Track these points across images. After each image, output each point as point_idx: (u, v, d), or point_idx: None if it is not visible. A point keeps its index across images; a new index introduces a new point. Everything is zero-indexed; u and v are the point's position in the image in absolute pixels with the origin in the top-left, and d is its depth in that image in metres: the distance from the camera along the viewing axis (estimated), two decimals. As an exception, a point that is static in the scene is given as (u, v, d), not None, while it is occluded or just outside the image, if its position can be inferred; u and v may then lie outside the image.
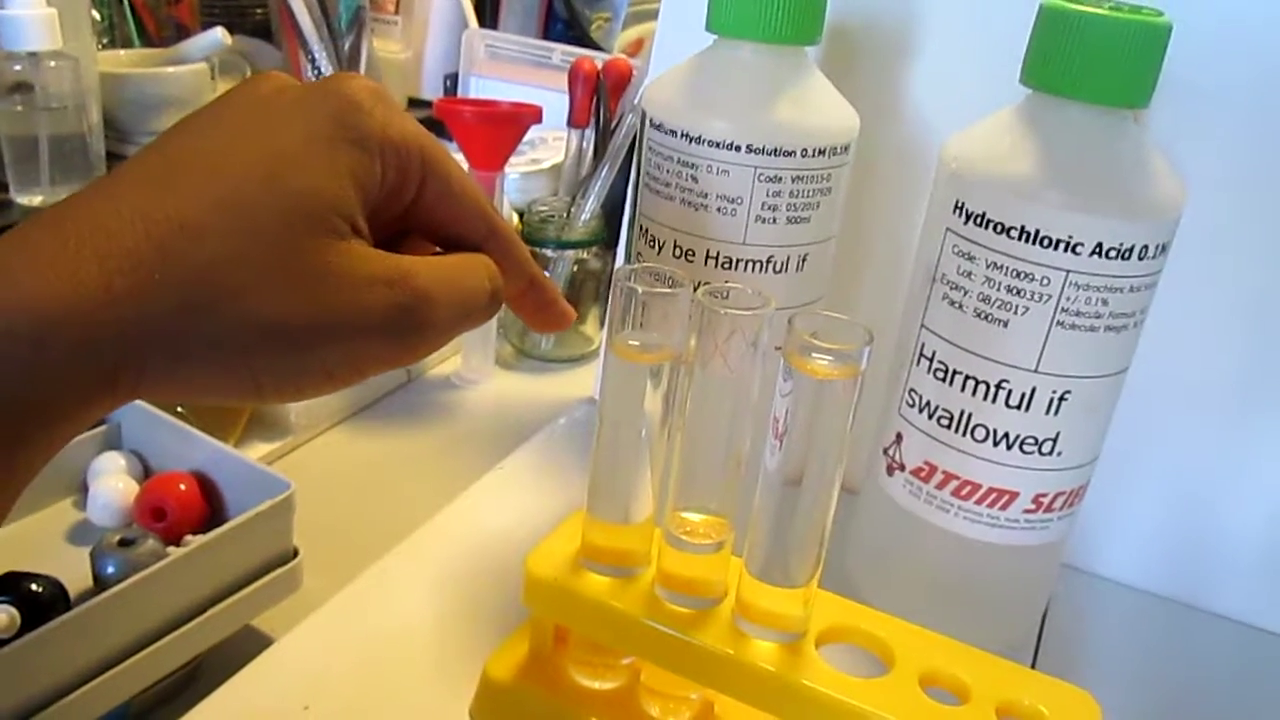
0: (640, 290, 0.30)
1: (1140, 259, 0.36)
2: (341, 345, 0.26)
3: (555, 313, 0.34)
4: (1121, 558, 0.51)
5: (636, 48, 1.00)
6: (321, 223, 0.26)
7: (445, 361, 0.67)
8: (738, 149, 0.39)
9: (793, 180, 0.40)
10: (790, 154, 0.39)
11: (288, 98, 0.28)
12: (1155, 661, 0.47)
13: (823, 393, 0.29)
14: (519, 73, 0.95)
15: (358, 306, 0.26)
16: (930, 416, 0.40)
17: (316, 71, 1.05)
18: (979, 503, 0.40)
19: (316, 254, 0.26)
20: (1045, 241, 0.36)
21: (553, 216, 0.68)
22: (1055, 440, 0.39)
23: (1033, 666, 0.45)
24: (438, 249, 0.32)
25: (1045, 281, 0.36)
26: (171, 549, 0.39)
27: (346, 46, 1.06)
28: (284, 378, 0.26)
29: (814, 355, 0.29)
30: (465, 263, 0.30)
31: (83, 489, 0.45)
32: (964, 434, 0.40)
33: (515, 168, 0.81)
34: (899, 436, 0.42)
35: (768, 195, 0.40)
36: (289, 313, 0.25)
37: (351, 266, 0.26)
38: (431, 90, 1.09)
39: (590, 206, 0.67)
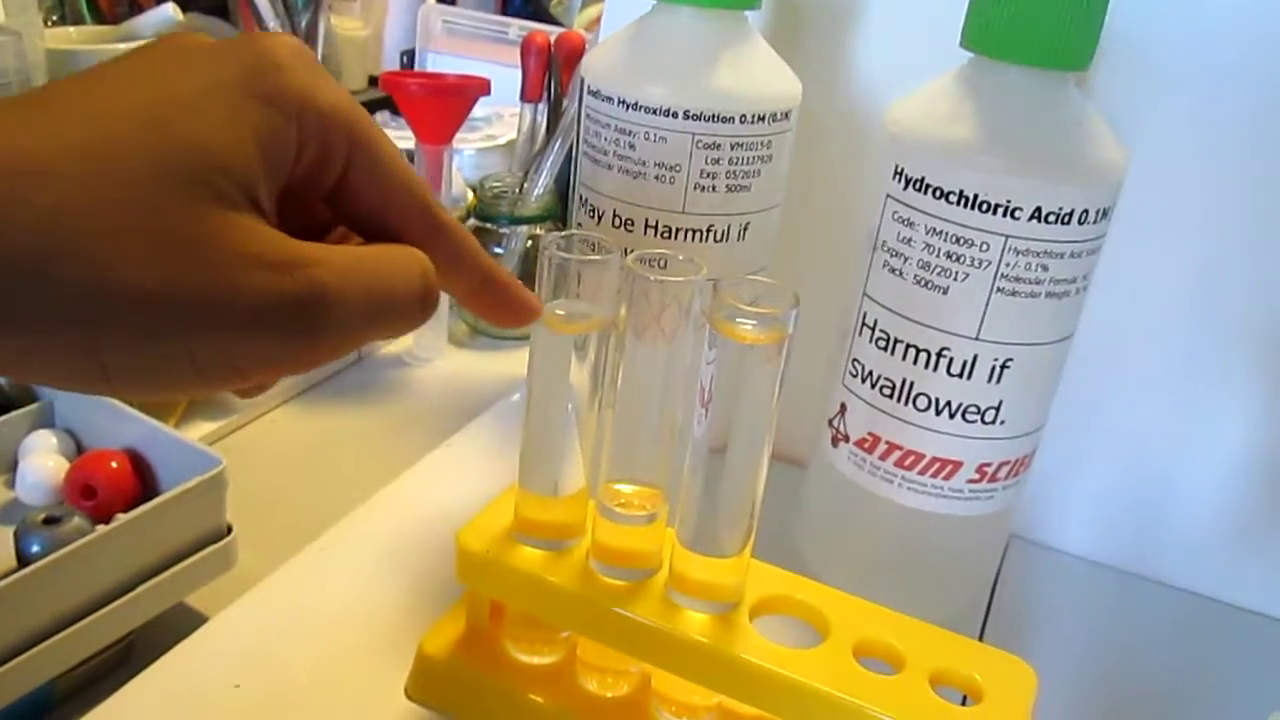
0: (562, 258, 0.30)
1: (1080, 223, 0.36)
2: (211, 335, 0.21)
3: (516, 308, 0.29)
4: (1071, 529, 0.51)
5: (597, 25, 0.99)
6: (205, 184, 0.21)
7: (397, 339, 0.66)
8: (675, 115, 0.38)
9: (732, 147, 0.39)
10: (729, 120, 0.39)
11: (199, 50, 0.23)
12: (1103, 631, 0.47)
13: (748, 358, 0.28)
14: (476, 48, 0.94)
15: (234, 290, 0.21)
16: (873, 386, 0.40)
17: (273, 49, 1.03)
18: (923, 473, 0.40)
19: (192, 220, 0.21)
20: (984, 206, 0.35)
21: (506, 192, 0.67)
22: (998, 409, 0.39)
23: (980, 638, 0.45)
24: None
25: (984, 247, 0.36)
26: (101, 527, 0.38)
27: (304, 24, 1.05)
28: (138, 367, 0.21)
29: (739, 320, 0.28)
30: (388, 254, 0.25)
31: (13, 467, 0.44)
32: (906, 403, 0.39)
33: (470, 144, 0.80)
34: (843, 407, 0.42)
35: (706, 163, 0.39)
36: (146, 285, 0.20)
37: (232, 241, 0.21)
38: (391, 67, 1.08)
39: (543, 182, 0.66)
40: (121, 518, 0.37)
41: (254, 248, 0.22)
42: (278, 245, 0.22)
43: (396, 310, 0.25)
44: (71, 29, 0.98)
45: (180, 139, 0.21)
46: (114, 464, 0.42)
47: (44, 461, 0.43)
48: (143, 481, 0.42)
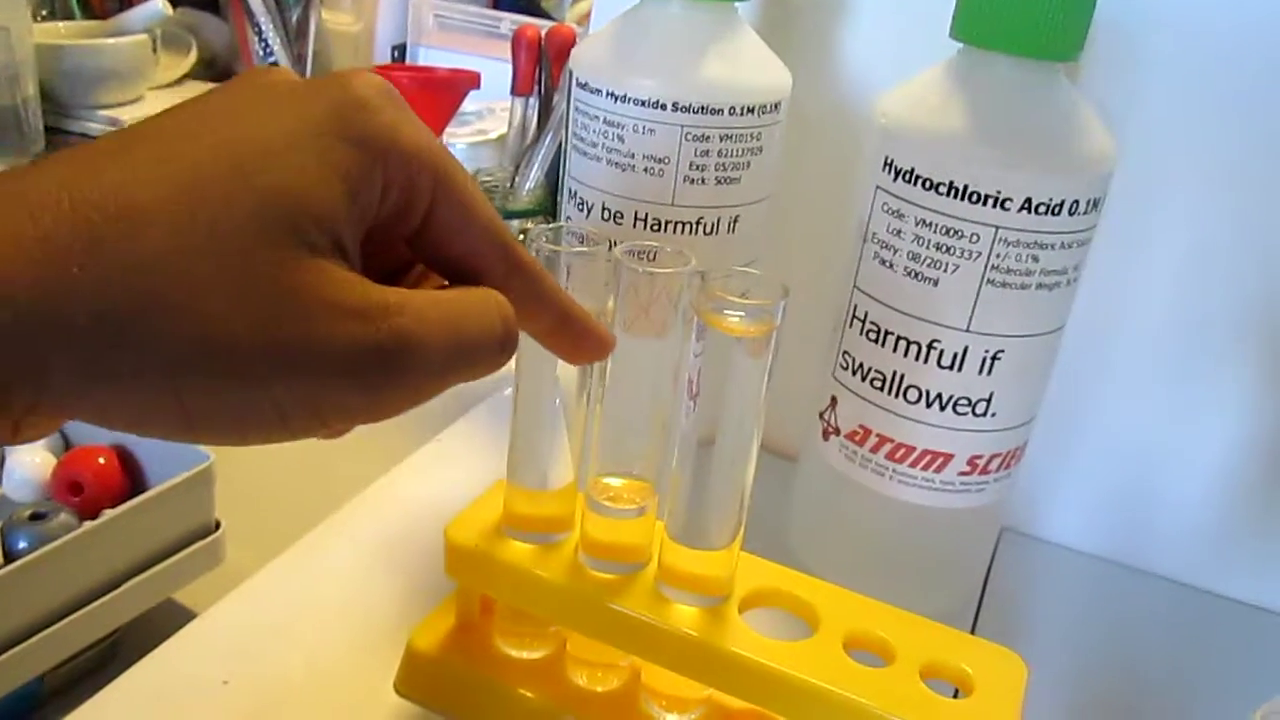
0: (551, 250, 0.30)
1: (1071, 214, 0.36)
2: (297, 385, 0.21)
3: (592, 344, 0.28)
4: (1063, 521, 0.51)
5: (589, 19, 0.99)
6: (293, 231, 0.21)
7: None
8: (663, 107, 0.38)
9: (721, 139, 0.39)
10: (718, 112, 0.39)
11: (283, 89, 0.23)
12: (1095, 623, 0.47)
13: (736, 350, 0.28)
14: (468, 43, 0.94)
15: (321, 340, 0.21)
16: (863, 379, 0.40)
17: (264, 44, 1.03)
18: (914, 466, 0.40)
19: (280, 268, 0.21)
20: (974, 197, 0.35)
21: (497, 186, 0.67)
22: (989, 401, 0.38)
23: (972, 630, 0.44)
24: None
25: (975, 238, 0.36)
26: (88, 523, 0.38)
27: (294, 18, 1.05)
28: (223, 415, 0.21)
29: (727, 312, 0.28)
30: (470, 300, 0.24)
31: (0, 464, 0.44)
32: (897, 396, 0.39)
33: (462, 138, 0.79)
34: (833, 400, 0.41)
35: (695, 155, 0.39)
36: (235, 336, 0.20)
37: (321, 290, 0.21)
38: (383, 62, 1.08)
39: (534, 175, 0.66)
40: (109, 513, 0.37)
41: (340, 296, 0.21)
42: (363, 293, 0.22)
43: (477, 355, 0.24)
44: (60, 24, 0.98)
45: (269, 186, 0.21)
46: (101, 460, 0.41)
47: (31, 457, 0.42)
48: (130, 477, 0.42)
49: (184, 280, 0.20)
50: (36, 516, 0.37)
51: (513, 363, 0.31)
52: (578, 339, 0.28)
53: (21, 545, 0.37)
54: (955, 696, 0.31)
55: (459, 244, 0.25)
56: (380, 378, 0.22)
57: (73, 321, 0.19)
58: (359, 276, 0.22)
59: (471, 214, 0.25)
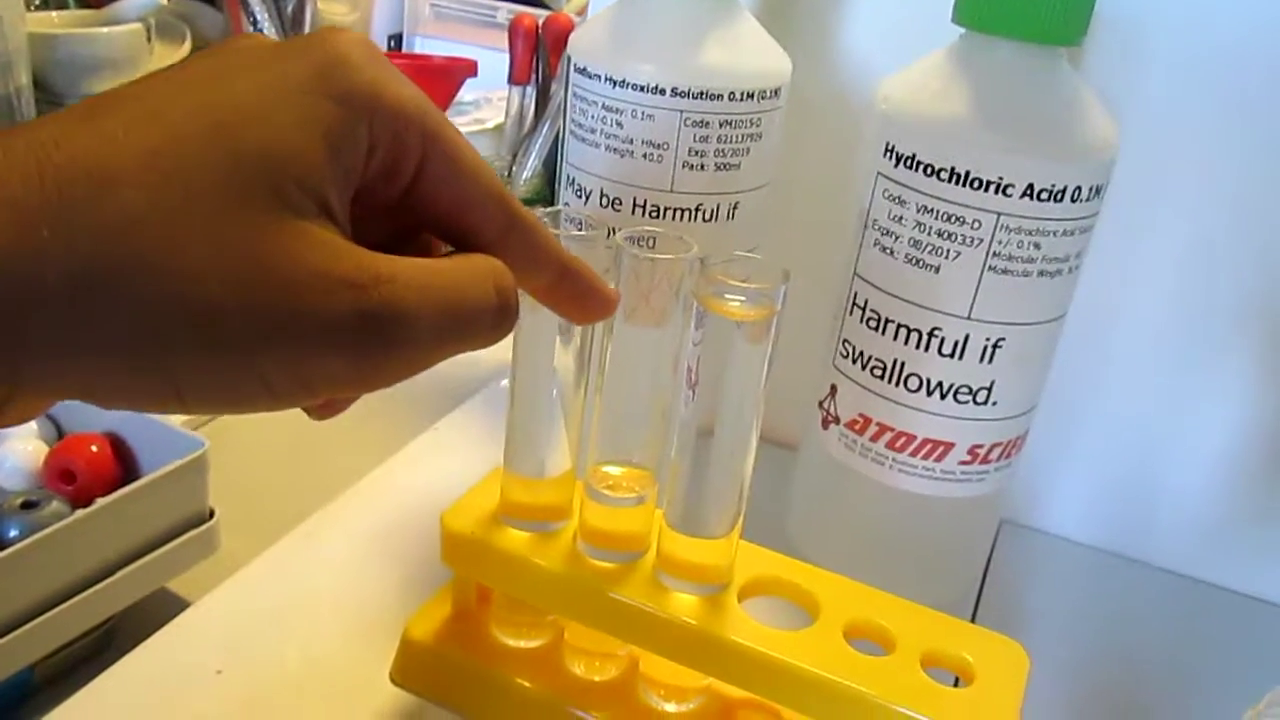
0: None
1: (1073, 201, 0.35)
2: (284, 354, 0.20)
3: (596, 301, 0.28)
4: (1063, 512, 0.50)
5: (586, 9, 0.98)
6: (276, 193, 0.20)
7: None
8: (662, 92, 0.38)
9: (720, 125, 0.39)
10: (717, 97, 0.38)
11: (264, 50, 0.22)
12: (1094, 614, 0.47)
13: (736, 335, 0.28)
14: (464, 32, 0.94)
15: (309, 309, 0.20)
16: (864, 367, 0.39)
17: (259, 33, 1.02)
18: (914, 455, 0.40)
19: (265, 233, 0.20)
20: (976, 183, 0.35)
21: (494, 175, 0.66)
22: (990, 389, 0.38)
23: (972, 620, 0.44)
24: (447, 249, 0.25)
25: (976, 225, 0.35)
26: (80, 511, 0.37)
27: (290, 8, 1.04)
28: (211, 385, 0.20)
29: (727, 296, 0.28)
30: (465, 268, 0.23)
31: (-8, 452, 0.44)
32: (897, 384, 0.39)
33: (460, 127, 0.79)
34: (833, 389, 0.41)
35: (694, 140, 0.39)
36: (218, 302, 0.19)
37: (308, 256, 0.20)
38: (379, 52, 1.08)
39: (532, 164, 0.65)
40: (101, 502, 0.37)
41: (327, 262, 0.20)
42: (351, 259, 0.21)
43: (472, 325, 0.23)
44: (54, 13, 0.97)
45: (250, 146, 0.20)
46: (94, 447, 0.41)
47: (23, 445, 0.42)
48: (123, 465, 0.41)
49: (161, 242, 0.19)
50: (28, 505, 0.37)
51: (509, 351, 0.31)
52: (581, 296, 0.27)
53: (13, 534, 0.36)
54: (956, 685, 0.30)
55: (452, 200, 0.24)
56: (368, 347, 0.21)
57: (44, 285, 0.18)
58: (346, 241, 0.21)
59: (463, 168, 0.24)
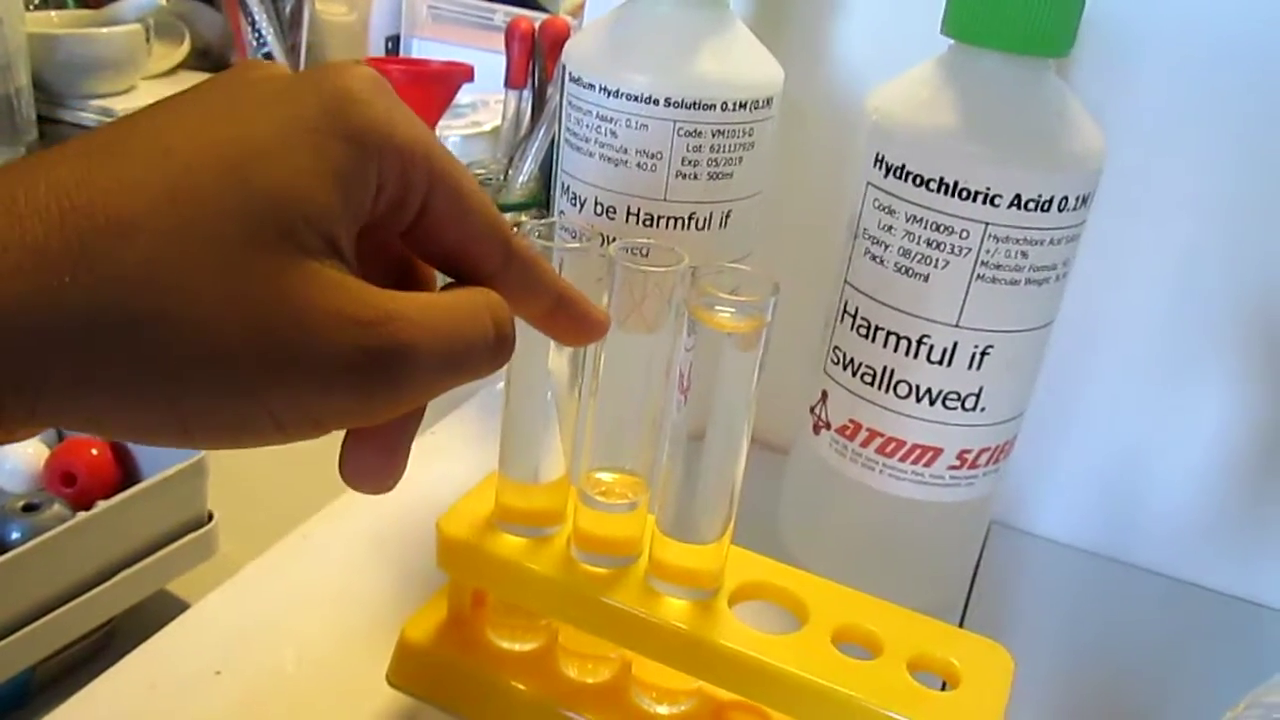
0: (543, 246, 0.30)
1: (1060, 210, 0.36)
2: (294, 393, 0.21)
3: (588, 327, 0.28)
4: (1052, 515, 0.51)
5: (581, 9, 0.98)
6: (289, 234, 0.20)
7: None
8: (656, 102, 0.38)
9: (713, 135, 0.39)
10: (710, 107, 0.39)
11: (275, 84, 0.22)
12: (1083, 617, 0.47)
13: (726, 345, 0.28)
14: (461, 34, 0.94)
15: (319, 348, 0.21)
16: (854, 373, 0.40)
17: (257, 34, 1.03)
18: (903, 460, 0.40)
19: (277, 274, 0.20)
20: (964, 193, 0.35)
21: (491, 179, 0.67)
22: (978, 395, 0.39)
23: (961, 623, 0.45)
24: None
25: (964, 234, 0.36)
26: (81, 514, 0.38)
27: (288, 9, 1.05)
28: (219, 423, 0.21)
29: (717, 308, 0.28)
30: (464, 304, 0.24)
31: (-8, 455, 0.44)
32: (887, 390, 0.39)
33: (455, 130, 0.79)
34: (824, 394, 0.42)
35: (688, 150, 0.39)
36: (231, 346, 0.20)
37: (319, 296, 0.21)
38: (376, 53, 1.08)
39: (527, 168, 0.66)
40: (102, 505, 0.37)
41: (335, 301, 0.21)
42: (359, 297, 0.21)
43: (472, 359, 0.24)
44: (53, 13, 0.98)
45: (263, 188, 0.20)
46: (94, 451, 0.41)
47: (24, 448, 0.43)
48: (123, 468, 0.42)
49: (177, 289, 0.19)
50: (29, 507, 0.37)
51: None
52: (574, 322, 0.28)
53: (14, 536, 0.37)
54: (943, 689, 0.31)
55: (455, 235, 0.25)
56: (375, 384, 0.22)
57: (66, 332, 0.19)
58: (355, 280, 0.22)
59: (467, 204, 0.24)
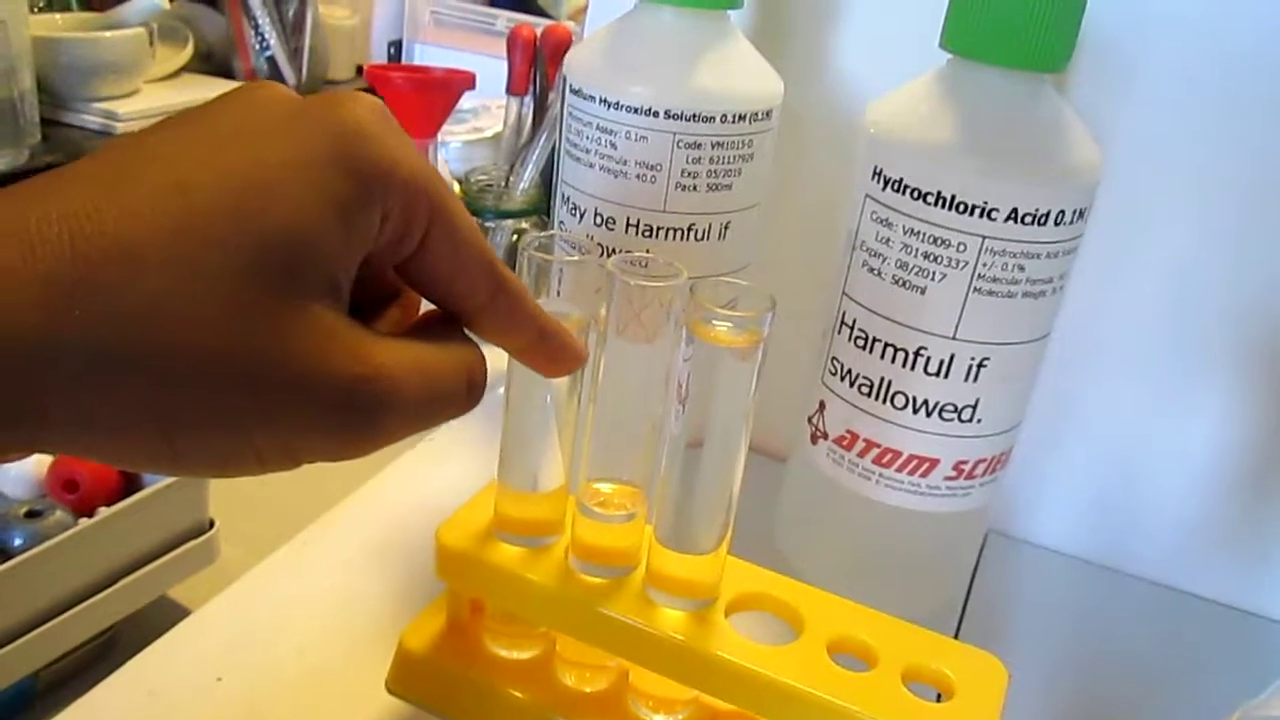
0: (543, 259, 0.30)
1: (1057, 225, 0.36)
2: (278, 432, 0.22)
3: (565, 359, 0.29)
4: (1048, 524, 0.51)
5: (583, 14, 0.99)
6: (291, 274, 0.21)
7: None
8: (656, 114, 0.39)
9: (713, 146, 0.39)
10: (710, 120, 0.39)
11: (282, 110, 0.23)
12: (1079, 626, 0.47)
13: (723, 359, 0.29)
14: (464, 40, 0.94)
15: (308, 395, 0.21)
16: (851, 384, 0.40)
17: (260, 38, 1.03)
18: (900, 470, 0.40)
19: (277, 316, 0.21)
20: (961, 207, 0.36)
21: (491, 185, 0.67)
22: (975, 407, 0.39)
23: (956, 634, 0.45)
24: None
25: (962, 248, 0.36)
26: (83, 521, 0.38)
27: (291, 13, 1.05)
28: (207, 457, 0.22)
29: (715, 322, 0.28)
30: (446, 360, 0.25)
31: (-5, 461, 0.44)
32: (884, 401, 0.39)
33: (457, 136, 0.80)
34: (822, 405, 0.42)
35: (687, 162, 0.39)
36: (227, 385, 0.20)
37: (315, 343, 0.21)
38: (379, 58, 1.08)
39: (529, 175, 0.66)
40: (104, 512, 0.38)
41: (328, 348, 0.22)
42: (353, 351, 0.22)
43: (444, 411, 0.25)
44: (58, 16, 0.98)
45: (271, 228, 0.21)
46: (97, 458, 0.42)
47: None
48: (125, 476, 0.42)
49: (180, 327, 0.20)
50: (32, 514, 0.38)
51: (504, 360, 0.32)
52: (553, 354, 0.29)
53: (17, 542, 0.37)
54: (938, 700, 0.31)
55: (448, 269, 0.25)
56: (355, 431, 0.23)
57: (71, 366, 0.19)
58: (348, 325, 0.22)
59: (463, 239, 0.25)
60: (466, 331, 0.27)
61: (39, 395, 0.19)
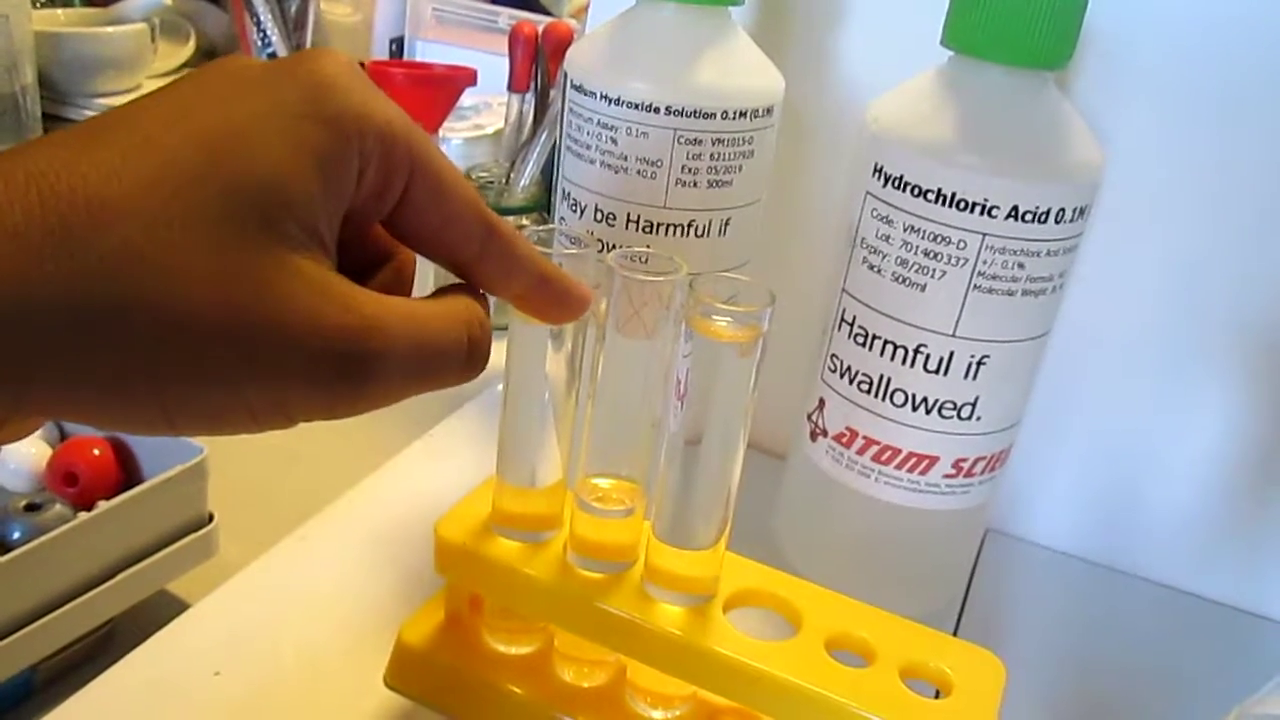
0: (541, 252, 0.30)
1: (1057, 222, 0.36)
2: (268, 386, 0.21)
3: (569, 301, 0.29)
4: (1048, 522, 0.51)
5: (585, 11, 0.99)
6: (269, 224, 0.20)
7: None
8: (656, 110, 0.39)
9: (713, 143, 0.39)
10: (710, 116, 0.39)
11: (252, 73, 0.22)
12: (1078, 625, 0.47)
13: (723, 355, 0.29)
14: (465, 37, 0.94)
15: (296, 346, 0.21)
16: (851, 381, 0.40)
17: (262, 34, 1.03)
18: (899, 468, 0.40)
19: (257, 267, 0.20)
20: (961, 204, 0.36)
21: (492, 182, 0.67)
22: (974, 405, 0.39)
23: (956, 630, 0.45)
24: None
25: (962, 245, 0.36)
26: (82, 514, 0.38)
27: (293, 9, 1.05)
28: (201, 414, 0.21)
29: (714, 317, 0.28)
30: (442, 313, 0.24)
31: (-5, 454, 0.44)
32: (883, 399, 0.39)
33: (458, 133, 0.80)
34: (821, 402, 0.42)
35: (688, 158, 0.39)
36: (212, 336, 0.20)
37: (300, 294, 0.21)
38: (381, 54, 1.08)
39: (530, 172, 0.66)
40: (103, 505, 0.37)
41: (315, 299, 0.21)
42: (339, 298, 0.22)
43: (443, 369, 0.25)
44: (60, 11, 0.98)
45: (244, 175, 0.20)
46: (96, 451, 0.42)
47: (26, 448, 0.43)
48: (125, 469, 0.42)
49: (158, 277, 0.19)
50: (31, 507, 0.38)
51: (503, 356, 0.32)
52: (557, 298, 0.28)
53: (16, 536, 0.37)
54: (936, 697, 0.31)
55: (435, 218, 0.25)
56: (346, 384, 0.22)
57: (49, 320, 0.19)
58: (336, 277, 0.22)
59: (447, 185, 0.24)
60: (470, 305, 0.26)
61: (18, 354, 0.19)
